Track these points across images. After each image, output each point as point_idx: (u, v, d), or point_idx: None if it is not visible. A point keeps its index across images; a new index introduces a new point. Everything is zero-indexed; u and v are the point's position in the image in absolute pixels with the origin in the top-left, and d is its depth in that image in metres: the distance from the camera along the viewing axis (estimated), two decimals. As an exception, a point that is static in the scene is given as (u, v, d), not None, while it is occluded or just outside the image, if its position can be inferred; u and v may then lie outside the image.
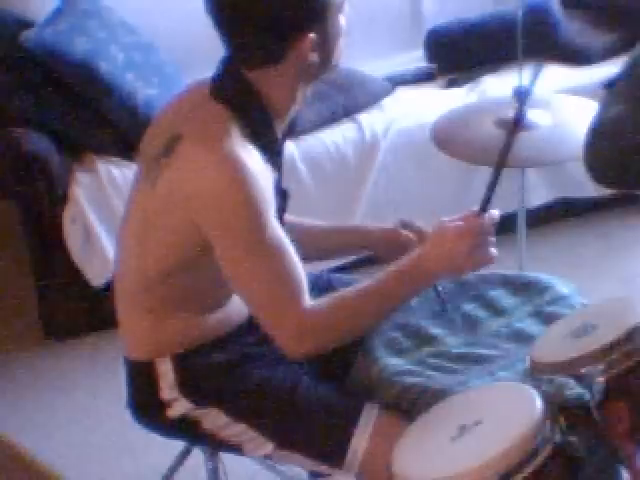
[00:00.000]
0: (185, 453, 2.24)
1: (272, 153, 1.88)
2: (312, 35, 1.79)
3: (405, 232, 2.12)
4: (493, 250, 1.85)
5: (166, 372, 1.94)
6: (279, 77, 1.83)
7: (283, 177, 1.98)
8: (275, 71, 1.83)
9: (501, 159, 1.91)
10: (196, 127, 1.84)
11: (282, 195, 1.96)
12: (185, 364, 1.94)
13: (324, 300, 1.86)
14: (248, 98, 1.84)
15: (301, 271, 1.84)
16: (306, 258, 2.16)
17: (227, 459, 2.18)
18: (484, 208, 1.88)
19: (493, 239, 1.86)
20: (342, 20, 1.86)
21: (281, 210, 1.96)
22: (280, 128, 1.92)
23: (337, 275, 2.31)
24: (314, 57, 1.82)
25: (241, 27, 1.80)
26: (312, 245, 2.14)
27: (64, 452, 2.81)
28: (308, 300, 1.83)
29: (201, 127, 1.83)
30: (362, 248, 2.22)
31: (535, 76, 1.96)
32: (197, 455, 2.23)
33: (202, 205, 1.78)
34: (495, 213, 1.88)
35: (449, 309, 2.05)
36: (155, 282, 1.89)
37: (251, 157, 1.79)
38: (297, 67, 1.83)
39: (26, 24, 3.27)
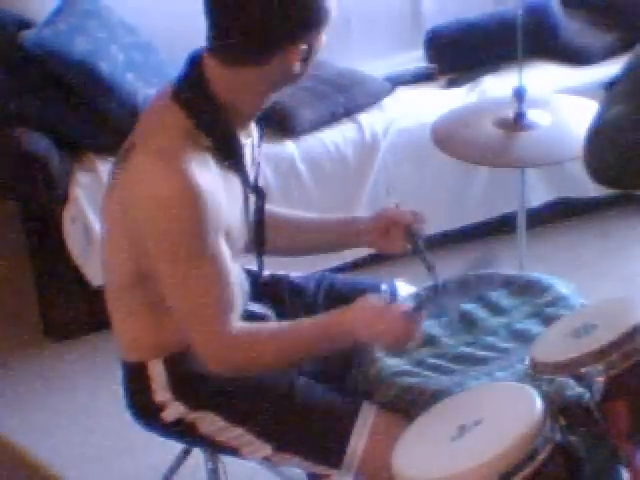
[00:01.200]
0: (185, 453, 2.23)
1: (233, 156, 1.84)
2: (304, 47, 1.76)
3: (400, 212, 2.09)
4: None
5: (159, 374, 1.94)
6: (254, 81, 1.79)
7: (259, 177, 1.97)
8: (253, 74, 1.78)
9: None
10: (149, 135, 1.83)
11: (257, 193, 1.95)
12: (178, 366, 1.93)
13: (255, 326, 1.88)
14: (211, 107, 1.80)
15: (233, 290, 1.83)
16: (296, 253, 2.14)
17: (227, 459, 2.18)
18: (419, 309, 1.86)
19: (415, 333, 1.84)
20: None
21: (259, 210, 1.95)
22: (245, 130, 1.89)
23: (340, 276, 2.31)
24: (297, 68, 1.79)
25: (234, 21, 1.74)
26: (303, 241, 2.15)
27: (64, 452, 2.81)
28: (237, 320, 1.83)
29: (154, 135, 1.81)
30: (357, 237, 2.15)
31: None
32: (197, 455, 2.23)
33: (143, 214, 1.77)
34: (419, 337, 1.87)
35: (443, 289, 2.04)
36: (141, 281, 1.88)
37: (204, 169, 1.76)
38: (277, 74, 1.79)
39: (26, 24, 3.27)
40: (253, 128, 1.95)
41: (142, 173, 1.77)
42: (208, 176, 1.77)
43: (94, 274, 3.18)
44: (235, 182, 1.87)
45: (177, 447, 2.21)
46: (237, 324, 1.83)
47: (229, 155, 1.83)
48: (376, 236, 2.10)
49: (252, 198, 1.95)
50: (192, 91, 1.81)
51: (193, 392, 1.94)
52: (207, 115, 1.80)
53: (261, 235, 2.00)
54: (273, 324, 1.95)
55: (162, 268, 1.81)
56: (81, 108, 3.21)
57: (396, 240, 2.09)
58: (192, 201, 1.73)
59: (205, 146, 1.79)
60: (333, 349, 1.89)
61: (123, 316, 1.97)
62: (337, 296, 2.15)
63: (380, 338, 1.84)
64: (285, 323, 1.90)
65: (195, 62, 1.83)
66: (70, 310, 3.32)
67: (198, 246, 1.77)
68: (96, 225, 3.16)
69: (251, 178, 1.93)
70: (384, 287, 2.19)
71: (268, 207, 2.11)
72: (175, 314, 1.86)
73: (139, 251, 1.83)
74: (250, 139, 1.93)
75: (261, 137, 1.99)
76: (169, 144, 1.77)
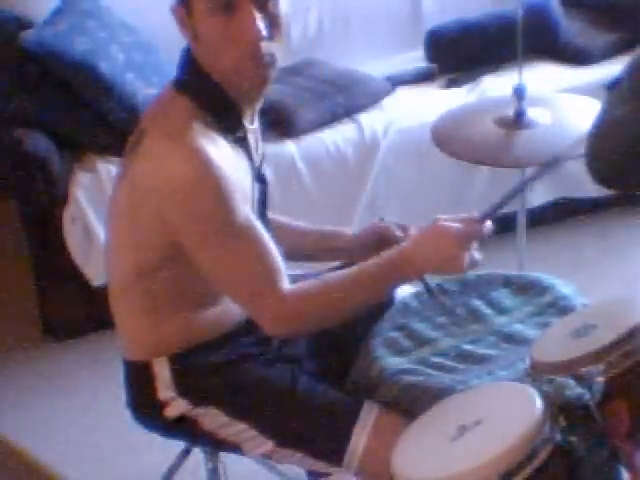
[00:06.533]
0: (185, 453, 2.24)
1: (239, 139, 1.87)
2: (179, 8, 1.89)
3: (386, 227, 2.10)
4: (478, 255, 1.87)
5: (163, 372, 1.94)
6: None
7: (262, 164, 1.98)
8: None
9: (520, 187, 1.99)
10: (157, 120, 1.86)
11: (260, 181, 1.96)
12: (182, 364, 1.94)
13: (306, 284, 1.87)
14: (206, 86, 1.84)
15: (276, 255, 1.84)
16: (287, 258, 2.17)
17: (227, 459, 2.18)
18: (486, 217, 1.88)
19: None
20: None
21: (262, 196, 1.96)
22: (247, 115, 1.91)
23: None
24: (187, 36, 1.87)
25: None
26: (292, 246, 2.13)
27: (64, 452, 2.81)
28: (286, 283, 1.83)
29: (162, 120, 1.85)
30: (342, 251, 2.17)
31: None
32: (197, 455, 2.23)
33: (166, 198, 1.78)
34: (491, 226, 1.89)
35: (446, 304, 2.04)
36: (145, 278, 1.89)
37: (215, 146, 1.79)
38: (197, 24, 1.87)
39: (26, 24, 3.27)
40: (256, 119, 1.96)
41: (156, 157, 1.79)
42: (220, 153, 1.79)
43: (94, 274, 3.18)
44: (243, 167, 1.88)
45: (177, 447, 2.22)
46: (288, 287, 1.83)
47: (233, 130, 1.85)
48: (365, 254, 2.06)
49: (256, 187, 1.95)
50: (189, 76, 1.86)
51: (197, 388, 1.94)
52: (206, 93, 1.84)
53: (264, 223, 2.00)
54: (328, 276, 1.90)
55: (197, 248, 1.81)
56: (81, 108, 3.21)
57: None
58: (211, 177, 1.75)
59: (213, 126, 1.82)
60: (402, 284, 1.97)
61: (127, 315, 1.97)
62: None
63: (453, 268, 1.85)
64: (343, 272, 1.88)
65: (186, 52, 1.89)
66: (70, 310, 3.32)
67: (229, 219, 1.78)
68: (96, 225, 3.16)
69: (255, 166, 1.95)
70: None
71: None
72: (224, 292, 1.89)
73: (163, 236, 1.83)
74: (255, 126, 1.95)
75: (262, 132, 2.00)
76: (178, 125, 1.79)
